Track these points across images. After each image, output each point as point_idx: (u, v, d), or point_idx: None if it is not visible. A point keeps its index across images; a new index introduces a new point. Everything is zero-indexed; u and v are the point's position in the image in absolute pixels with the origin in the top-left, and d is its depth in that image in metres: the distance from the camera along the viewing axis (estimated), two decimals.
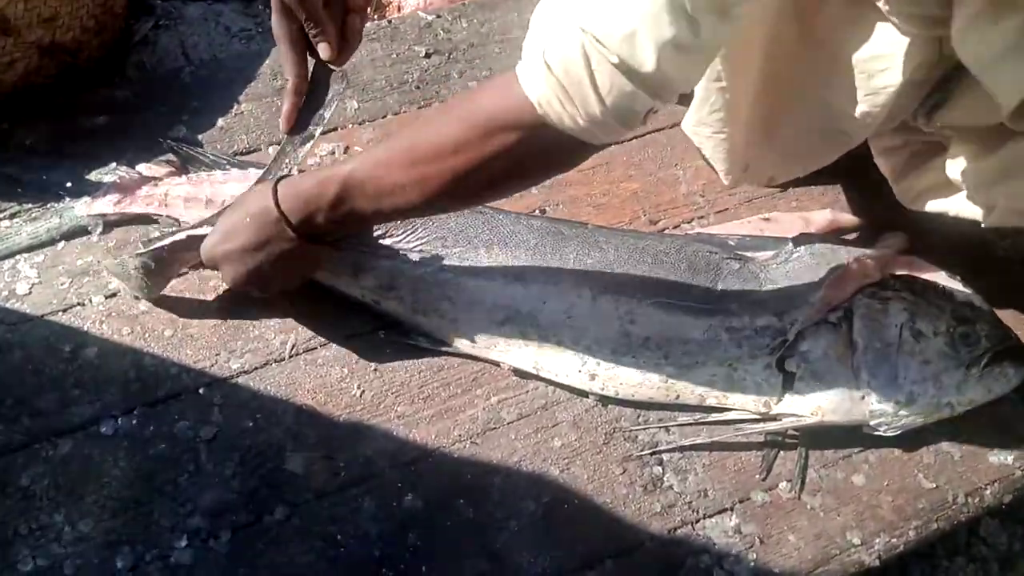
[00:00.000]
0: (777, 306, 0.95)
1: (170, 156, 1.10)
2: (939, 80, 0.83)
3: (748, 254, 1.01)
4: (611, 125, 0.72)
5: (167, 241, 0.96)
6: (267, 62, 1.23)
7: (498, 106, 0.75)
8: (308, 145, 0.97)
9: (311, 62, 0.95)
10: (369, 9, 1.01)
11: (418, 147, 0.80)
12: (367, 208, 0.84)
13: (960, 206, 0.91)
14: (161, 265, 0.97)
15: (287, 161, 0.97)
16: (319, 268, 0.98)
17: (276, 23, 0.92)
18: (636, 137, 1.20)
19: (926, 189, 0.95)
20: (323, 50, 0.93)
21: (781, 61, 0.87)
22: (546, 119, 0.72)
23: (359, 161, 0.84)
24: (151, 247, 0.96)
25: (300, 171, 0.95)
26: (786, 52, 0.86)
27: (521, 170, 0.80)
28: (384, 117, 1.19)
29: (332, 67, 0.96)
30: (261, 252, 0.89)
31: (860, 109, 0.84)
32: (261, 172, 1.06)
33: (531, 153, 0.76)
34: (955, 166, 0.87)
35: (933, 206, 0.94)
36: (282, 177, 0.90)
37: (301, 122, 0.97)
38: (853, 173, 1.11)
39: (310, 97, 0.97)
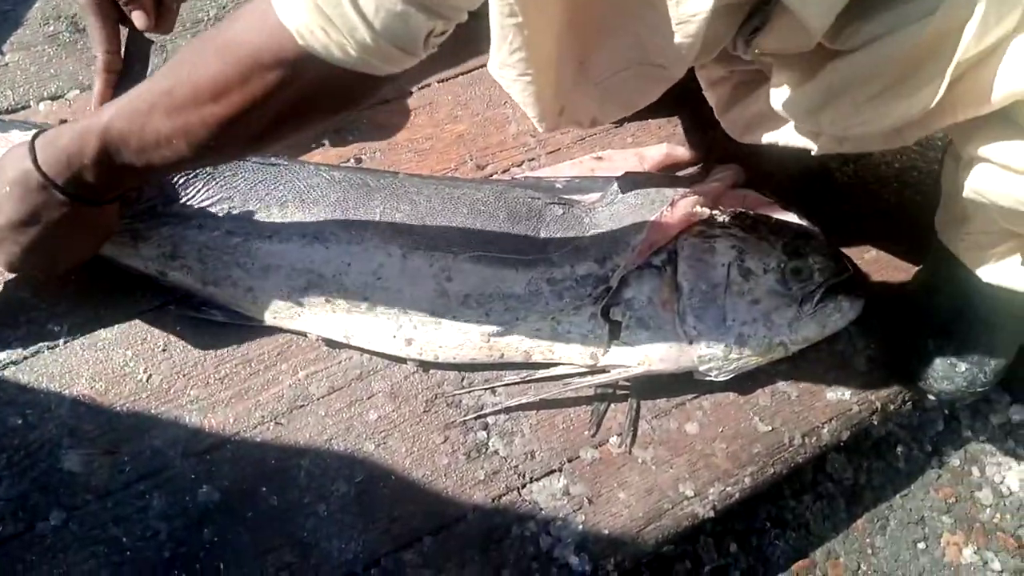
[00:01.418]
0: (599, 252, 0.89)
1: None
2: (755, 5, 0.76)
3: (575, 197, 0.94)
4: (388, 51, 0.62)
5: None
6: (37, 4, 1.08)
7: (255, 40, 0.64)
8: None
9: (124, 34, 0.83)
10: None
11: (176, 91, 0.68)
12: (135, 162, 0.73)
13: (789, 136, 0.85)
14: None
15: None
16: (111, 232, 0.86)
17: None
18: (463, 74, 1.11)
19: (753, 120, 0.89)
20: (138, 19, 0.83)
21: None
22: (311, 51, 0.62)
23: (117, 108, 0.72)
24: None
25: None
26: None
27: (296, 111, 0.69)
28: None
29: (150, 37, 0.83)
30: (34, 225, 0.77)
31: (673, 39, 0.77)
32: (23, 133, 0.93)
33: (303, 92, 0.66)
34: (778, 95, 0.81)
35: (762, 137, 0.88)
36: (40, 132, 0.77)
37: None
38: (689, 105, 1.04)
39: (125, 72, 0.84)
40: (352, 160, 1.02)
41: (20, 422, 0.84)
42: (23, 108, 1.01)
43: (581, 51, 0.86)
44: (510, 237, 0.90)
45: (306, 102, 0.68)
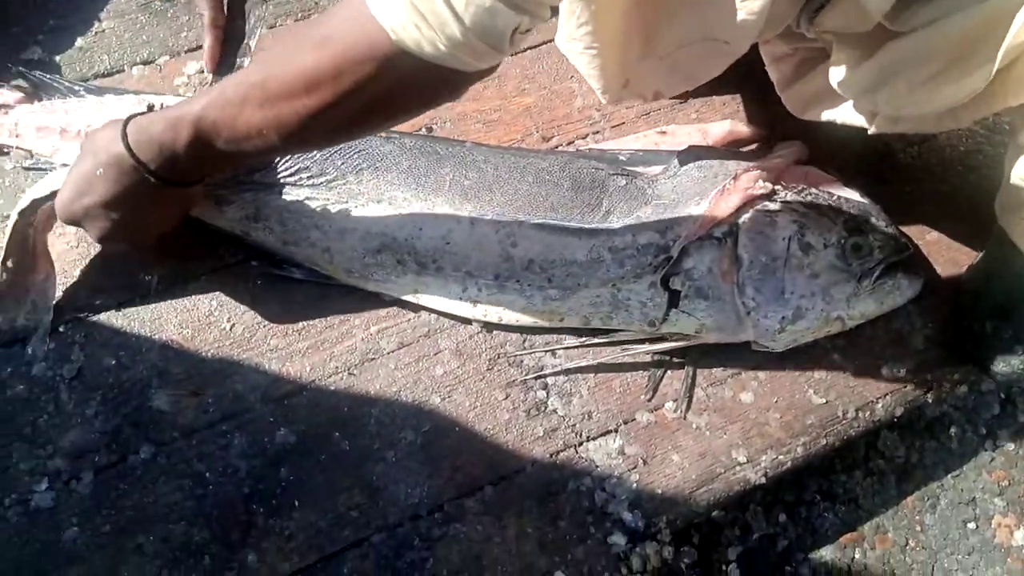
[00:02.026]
0: (661, 223, 0.91)
1: (21, 82, 1.02)
2: None
3: (638, 169, 0.97)
4: (477, 47, 0.65)
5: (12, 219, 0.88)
6: None
7: (349, 35, 0.67)
8: None
9: None
10: None
11: (269, 84, 0.71)
12: (226, 150, 0.76)
13: (846, 114, 0.87)
14: (19, 245, 0.89)
15: None
16: (194, 206, 0.91)
17: None
18: (530, 48, 1.14)
19: (813, 97, 0.91)
20: None
21: None
22: (403, 46, 0.64)
23: (209, 99, 0.75)
24: None
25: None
26: None
27: (386, 105, 0.72)
28: (257, 32, 1.11)
29: None
30: (124, 203, 0.81)
31: (737, 16, 0.79)
32: (119, 98, 0.99)
33: (393, 86, 0.69)
34: (837, 72, 0.82)
35: (821, 114, 0.90)
36: (132, 117, 0.80)
37: (226, 56, 0.90)
38: (753, 83, 1.06)
39: (229, 28, 0.89)
40: (423, 129, 1.06)
41: (114, 363, 0.90)
42: (118, 72, 1.07)
43: (647, 26, 0.88)
44: (574, 205, 0.93)
45: (395, 97, 0.71)
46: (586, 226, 0.93)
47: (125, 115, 0.80)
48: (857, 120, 0.86)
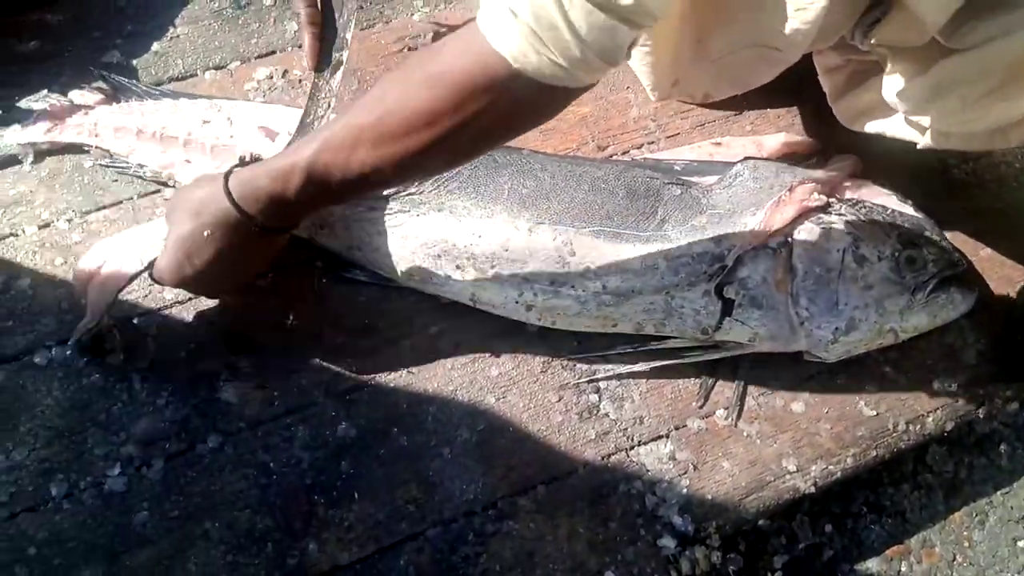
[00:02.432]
0: (716, 232, 0.93)
1: (101, 84, 1.06)
2: None
3: (691, 179, 0.98)
4: (594, 64, 0.67)
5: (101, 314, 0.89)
6: None
7: (467, 67, 0.69)
8: (339, 74, 0.92)
9: None
10: None
11: (385, 123, 0.72)
12: (337, 192, 0.78)
13: (896, 127, 0.88)
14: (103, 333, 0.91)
15: (323, 95, 0.92)
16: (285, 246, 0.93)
17: None
18: None
19: (864, 109, 0.92)
20: None
21: None
22: (523, 72, 0.67)
23: (319, 144, 0.76)
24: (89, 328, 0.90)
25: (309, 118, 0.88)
26: None
27: (501, 129, 0.75)
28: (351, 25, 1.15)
29: None
30: (231, 257, 0.83)
31: (790, 25, 0.80)
32: (193, 103, 1.03)
33: (510, 110, 0.71)
34: (890, 85, 0.83)
35: (871, 127, 0.91)
36: (229, 173, 0.81)
37: (324, 52, 0.93)
38: (809, 95, 1.07)
39: (326, 24, 0.93)
40: None
41: (184, 355, 0.94)
42: (191, 76, 1.12)
43: (701, 29, 0.90)
44: (628, 213, 0.95)
45: (510, 120, 0.74)
46: (641, 233, 0.94)
47: (217, 172, 0.82)
48: (907, 134, 0.87)
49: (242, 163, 0.84)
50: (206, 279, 0.85)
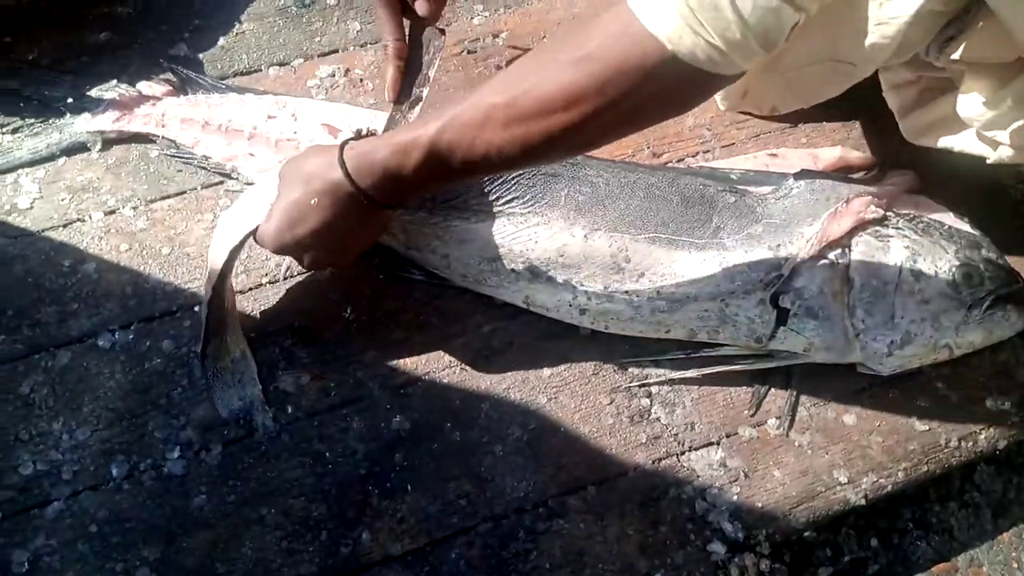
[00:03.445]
0: (772, 240, 0.93)
1: (169, 76, 1.09)
2: (956, 13, 0.79)
3: (746, 188, 0.99)
4: (752, 48, 0.65)
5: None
6: None
7: (617, 47, 0.67)
8: (416, 109, 0.93)
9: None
10: None
11: (519, 103, 0.70)
12: (457, 171, 0.77)
13: (965, 142, 0.88)
14: (217, 327, 0.92)
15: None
16: (391, 222, 0.93)
17: None
18: None
19: (933, 124, 0.92)
20: (421, 7, 0.90)
21: None
22: (677, 54, 0.65)
23: (444, 122, 0.74)
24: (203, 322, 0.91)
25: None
26: None
27: (643, 114, 0.73)
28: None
29: (429, 24, 0.93)
30: (337, 229, 0.83)
31: (868, 40, 0.81)
32: (259, 98, 1.05)
33: (657, 94, 0.70)
34: (966, 102, 0.83)
35: (939, 142, 0.91)
36: (345, 144, 0.81)
37: (405, 85, 0.94)
38: (865, 108, 1.07)
39: (410, 58, 0.94)
40: None
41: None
42: (255, 71, 1.14)
43: None
44: (683, 220, 0.95)
45: (657, 104, 0.72)
46: (697, 241, 0.95)
47: (335, 142, 0.82)
48: (977, 149, 0.87)
49: (358, 136, 0.84)
50: (306, 248, 0.85)
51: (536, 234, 0.95)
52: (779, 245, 0.94)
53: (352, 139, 0.83)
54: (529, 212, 0.96)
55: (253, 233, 0.87)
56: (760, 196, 0.98)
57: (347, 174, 0.79)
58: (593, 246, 0.95)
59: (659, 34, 0.64)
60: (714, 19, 0.63)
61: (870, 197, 0.95)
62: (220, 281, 0.89)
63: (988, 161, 0.86)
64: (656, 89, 0.68)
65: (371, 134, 0.86)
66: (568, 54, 0.69)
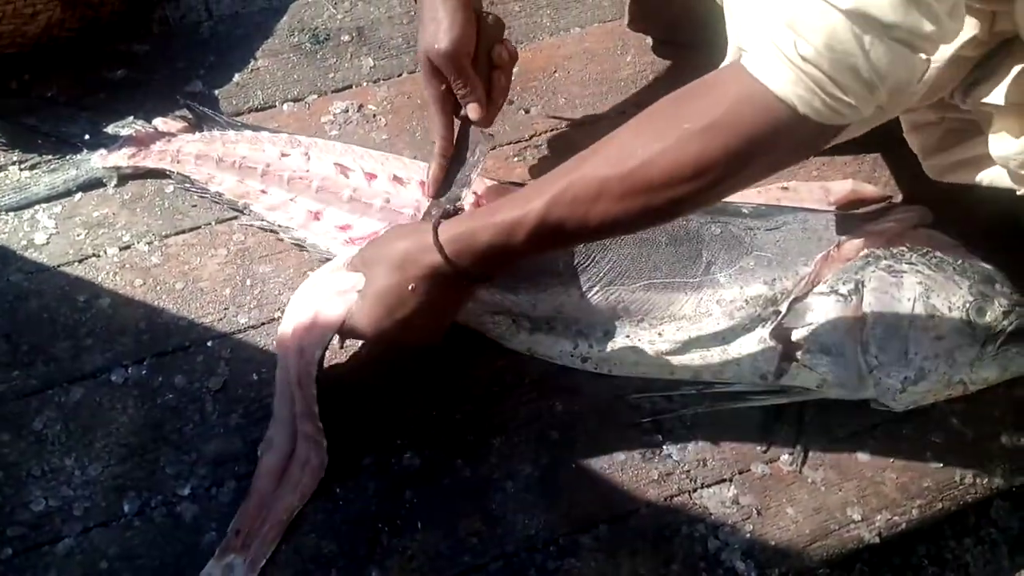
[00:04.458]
0: (767, 274, 0.94)
1: (185, 112, 1.10)
2: (982, 58, 0.80)
3: (728, 218, 0.98)
4: (883, 99, 0.64)
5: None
6: (284, 18, 1.22)
7: (747, 116, 0.65)
8: (453, 208, 0.93)
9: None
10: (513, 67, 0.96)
11: (640, 174, 0.69)
12: (567, 241, 0.78)
13: (992, 176, 0.87)
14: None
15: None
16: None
17: (425, 84, 0.91)
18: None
19: (958, 164, 0.91)
20: (473, 111, 0.92)
21: None
22: (809, 117, 0.63)
23: (552, 197, 0.73)
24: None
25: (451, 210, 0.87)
26: None
27: (768, 170, 0.73)
28: (400, 76, 1.18)
29: (479, 127, 0.94)
30: (435, 310, 0.83)
31: None
32: (272, 136, 1.07)
33: (787, 153, 0.70)
34: (999, 142, 0.82)
35: (965, 177, 0.90)
36: (436, 225, 0.79)
37: (445, 183, 0.95)
38: (877, 142, 1.07)
39: (454, 157, 0.95)
40: None
41: (256, 378, 0.96)
42: (270, 107, 1.15)
43: None
44: (675, 261, 0.95)
45: (785, 161, 0.72)
46: (691, 280, 0.95)
47: (425, 225, 0.81)
48: (1005, 182, 0.86)
49: (446, 215, 0.83)
50: (404, 332, 0.84)
51: (535, 299, 0.96)
52: (774, 280, 0.94)
53: (441, 217, 0.82)
54: (526, 282, 0.96)
55: (341, 325, 0.85)
56: (745, 225, 0.98)
57: (447, 258, 0.78)
58: (590, 303, 0.95)
59: (790, 99, 0.63)
60: (850, 79, 0.62)
61: (861, 242, 0.96)
62: (307, 380, 0.86)
63: (1019, 192, 0.85)
64: (785, 149, 0.68)
65: (458, 211, 0.86)
66: (692, 123, 0.67)
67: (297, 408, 0.87)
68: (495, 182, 1.03)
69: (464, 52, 0.88)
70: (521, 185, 1.02)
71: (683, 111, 0.69)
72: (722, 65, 0.72)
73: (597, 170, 0.71)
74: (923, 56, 0.63)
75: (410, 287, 0.80)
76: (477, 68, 0.91)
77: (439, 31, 0.87)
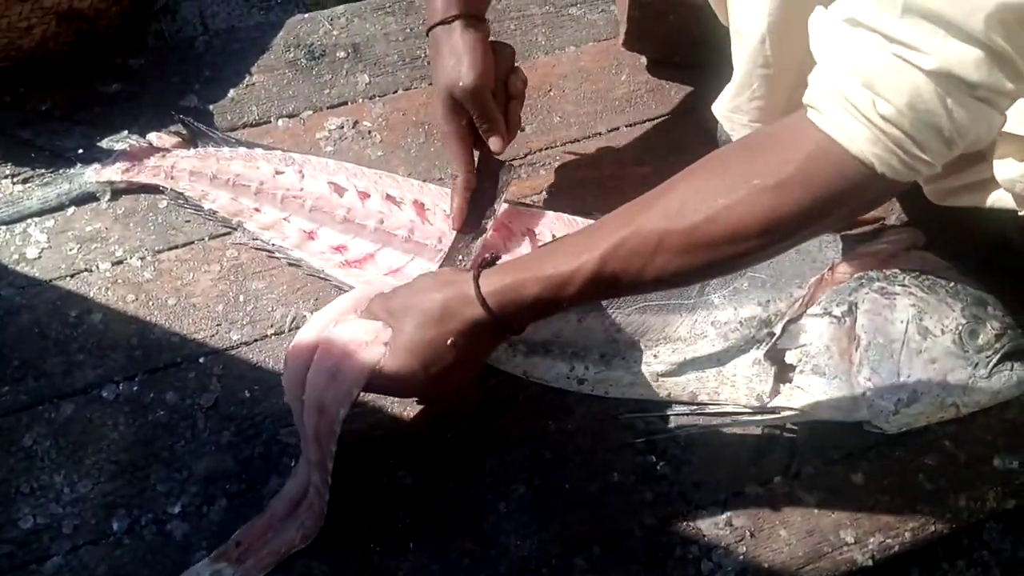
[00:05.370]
0: (761, 296, 0.94)
1: (180, 127, 1.10)
2: None
3: None
4: (958, 153, 0.64)
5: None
6: (280, 33, 1.23)
7: (820, 174, 0.64)
8: (480, 241, 0.95)
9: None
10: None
11: (704, 230, 0.68)
12: (619, 293, 0.78)
13: (994, 198, 0.88)
14: None
15: (460, 258, 0.94)
16: None
17: (446, 121, 0.91)
18: (649, 120, 1.18)
19: (963, 187, 0.91)
20: (495, 144, 0.92)
21: None
22: (886, 176, 0.63)
23: (606, 251, 0.71)
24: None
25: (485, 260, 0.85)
26: None
27: (829, 227, 0.73)
28: (395, 92, 1.19)
29: (498, 158, 0.95)
30: (472, 362, 0.83)
31: None
32: (268, 154, 1.06)
33: (852, 209, 0.69)
34: (1004, 167, 0.82)
35: (967, 201, 0.91)
36: (476, 276, 0.77)
37: (471, 216, 0.96)
38: None
39: (477, 191, 0.95)
40: (544, 192, 1.11)
41: (248, 395, 0.95)
42: (265, 123, 1.15)
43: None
44: None
45: (854, 214, 0.74)
46: (685, 302, 0.95)
47: (461, 275, 0.79)
48: (1008, 203, 0.87)
49: (486, 265, 0.81)
50: (439, 386, 0.82)
51: (534, 325, 0.95)
52: (768, 302, 0.95)
53: (481, 268, 0.80)
54: None
55: (367, 380, 0.81)
56: None
57: (491, 312, 0.76)
58: (587, 327, 0.95)
59: (867, 158, 0.62)
60: (931, 139, 0.61)
61: (858, 262, 0.96)
62: (328, 438, 0.82)
63: (1021, 213, 0.86)
64: (856, 205, 0.68)
65: (495, 259, 0.84)
66: (762, 179, 0.66)
67: (311, 456, 0.84)
68: (507, 204, 1.03)
69: (487, 87, 0.89)
70: (537, 208, 1.05)
71: (751, 166, 0.67)
72: (785, 120, 0.70)
73: (656, 223, 0.70)
74: (1001, 112, 0.63)
75: (449, 341, 0.77)
76: (496, 100, 0.91)
77: (461, 67, 0.87)
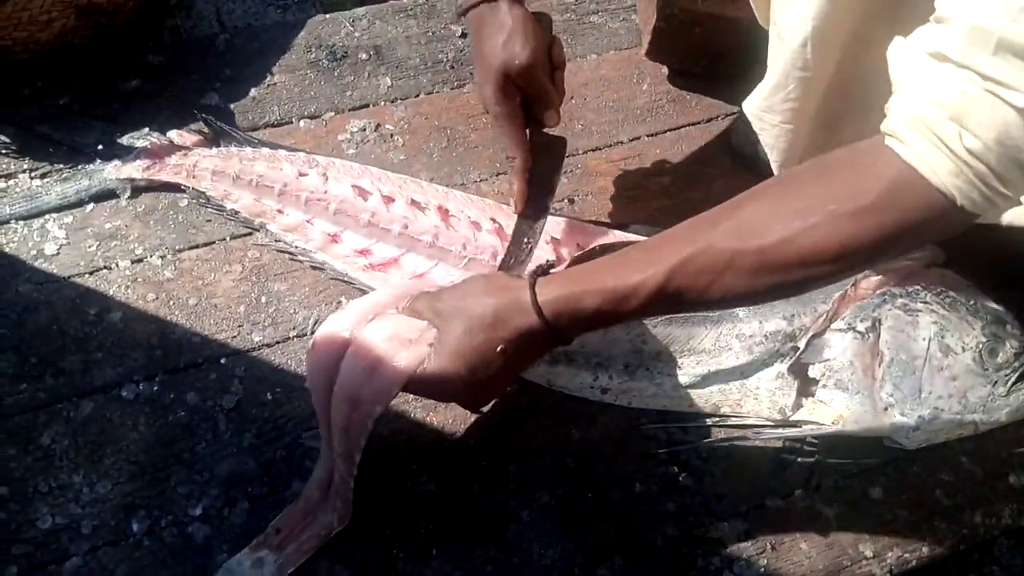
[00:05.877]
0: (785, 310, 0.95)
1: (201, 126, 1.09)
2: None
3: None
4: None
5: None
6: (301, 34, 1.22)
7: (901, 203, 0.64)
8: (543, 220, 0.94)
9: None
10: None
11: (777, 251, 0.67)
12: (680, 309, 0.77)
13: (1013, 215, 0.89)
14: None
15: (527, 240, 0.93)
16: None
17: (497, 101, 0.88)
18: (670, 130, 1.19)
19: None
20: (551, 117, 0.91)
21: (859, 59, 0.85)
22: (966, 208, 0.63)
23: (672, 268, 0.70)
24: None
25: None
26: (866, 50, 0.83)
27: (901, 254, 0.74)
28: (417, 96, 1.18)
29: (551, 133, 0.94)
30: (513, 371, 0.81)
31: None
32: (290, 155, 1.06)
33: (927, 238, 0.70)
34: None
35: (987, 218, 0.92)
36: (532, 284, 0.75)
37: (531, 197, 0.94)
38: None
39: (533, 169, 0.94)
40: (566, 200, 1.11)
41: (270, 398, 0.95)
42: (286, 123, 1.14)
43: (837, 112, 0.92)
44: None
45: (917, 247, 0.75)
46: (710, 315, 0.96)
47: (516, 282, 0.77)
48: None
49: (542, 272, 0.79)
50: (482, 392, 0.82)
51: None
52: (793, 316, 0.95)
53: (536, 275, 0.77)
54: None
55: (407, 379, 0.78)
56: None
57: (546, 321, 0.74)
58: (612, 337, 0.96)
59: (949, 190, 0.62)
60: (1017, 174, 0.61)
61: (880, 279, 0.97)
62: (358, 433, 0.80)
63: None
64: (931, 234, 0.68)
65: (552, 266, 0.82)
66: (840, 205, 0.65)
67: (337, 447, 0.81)
68: (565, 219, 1.03)
69: (541, 62, 0.87)
70: (597, 224, 1.05)
71: (828, 191, 0.67)
72: (858, 146, 0.70)
73: (727, 242, 0.69)
74: None
75: (499, 348, 0.75)
76: (545, 72, 0.90)
77: (515, 46, 0.85)
